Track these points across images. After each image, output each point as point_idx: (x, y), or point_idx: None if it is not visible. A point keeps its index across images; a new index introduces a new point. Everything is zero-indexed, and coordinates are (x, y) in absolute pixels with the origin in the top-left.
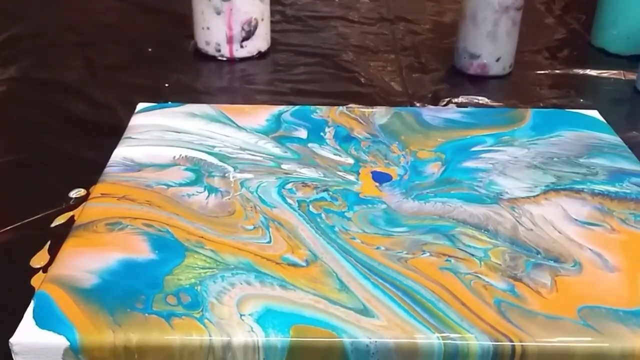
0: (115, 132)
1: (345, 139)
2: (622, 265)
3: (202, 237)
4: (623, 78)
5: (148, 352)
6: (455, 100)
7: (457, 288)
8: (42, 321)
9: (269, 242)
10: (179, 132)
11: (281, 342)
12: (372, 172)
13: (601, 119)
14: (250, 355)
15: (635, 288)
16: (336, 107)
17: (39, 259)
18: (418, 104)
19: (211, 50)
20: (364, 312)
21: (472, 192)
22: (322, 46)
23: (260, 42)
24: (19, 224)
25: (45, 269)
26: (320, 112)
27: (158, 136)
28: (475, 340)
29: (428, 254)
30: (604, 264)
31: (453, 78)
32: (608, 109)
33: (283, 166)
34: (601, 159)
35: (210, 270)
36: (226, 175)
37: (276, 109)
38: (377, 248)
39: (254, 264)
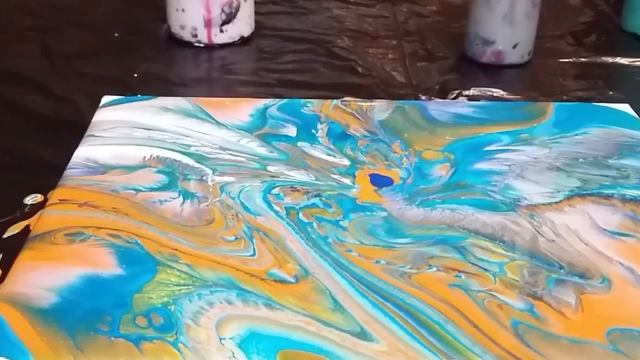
0: (76, 129)
1: (340, 137)
2: None
3: (176, 250)
4: None
5: None
6: (466, 92)
7: (468, 308)
8: None
9: (253, 255)
10: (149, 129)
11: None
12: (370, 175)
13: (633, 114)
14: None
15: None
16: (330, 100)
17: None
18: (423, 97)
19: (186, 36)
20: (362, 335)
21: (486, 198)
22: (313, 31)
23: (242, 26)
24: None
25: None
26: (312, 106)
27: (125, 134)
28: None
29: (435, 268)
30: (636, 281)
31: (463, 67)
32: None
33: (269, 168)
34: (633, 159)
35: (186, 287)
36: (204, 178)
37: (261, 102)
38: (377, 262)
39: (235, 281)
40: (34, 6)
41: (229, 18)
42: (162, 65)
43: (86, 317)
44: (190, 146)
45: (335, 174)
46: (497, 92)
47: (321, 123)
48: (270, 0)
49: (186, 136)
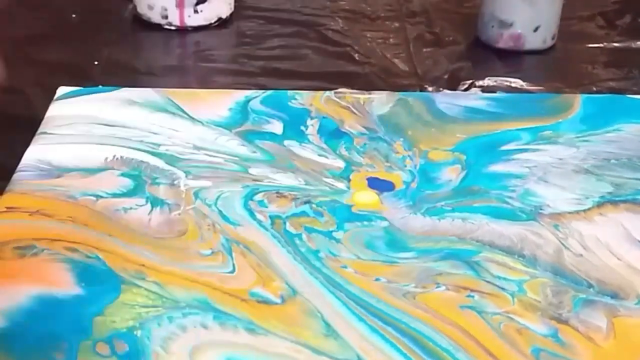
0: (27, 125)
1: (333, 134)
2: None
3: (144, 266)
4: None
5: None
6: (480, 82)
7: (482, 333)
8: None
9: (232, 271)
10: (112, 126)
11: None
12: (368, 179)
13: None
14: None
15: None
16: (321, 92)
17: None
18: (430, 88)
19: (155, 17)
20: None
21: (502, 206)
22: (302, 11)
23: (220, 5)
24: None
25: None
26: (301, 98)
27: (84, 131)
28: None
29: (443, 287)
30: None
31: (477, 53)
32: None
33: (251, 171)
34: None
35: (154, 309)
36: (175, 182)
37: (242, 94)
38: (376, 280)
39: (212, 301)
40: None
41: None
42: (127, 51)
43: (39, 344)
44: (159, 145)
45: (327, 177)
46: (516, 82)
47: (311, 118)
48: None
49: (155, 133)
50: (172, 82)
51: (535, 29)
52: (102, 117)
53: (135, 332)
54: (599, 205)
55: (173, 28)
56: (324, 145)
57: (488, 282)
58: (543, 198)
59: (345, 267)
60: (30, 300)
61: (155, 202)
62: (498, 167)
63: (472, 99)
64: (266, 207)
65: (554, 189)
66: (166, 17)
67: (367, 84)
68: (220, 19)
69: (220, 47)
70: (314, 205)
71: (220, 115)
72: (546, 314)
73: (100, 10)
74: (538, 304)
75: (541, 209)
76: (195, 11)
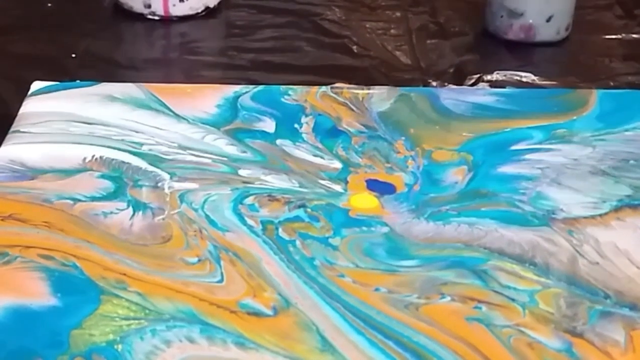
0: None
1: (329, 133)
2: None
3: (125, 274)
4: None
5: None
6: (488, 77)
7: (490, 347)
8: None
9: (221, 281)
10: (91, 124)
11: None
12: (367, 181)
13: None
14: None
15: None
16: (317, 87)
17: None
18: (434, 83)
19: (137, 6)
20: None
21: (512, 210)
22: (296, 0)
23: None
24: None
25: None
26: (294, 94)
27: (61, 129)
28: None
29: (449, 298)
30: None
31: (485, 45)
32: None
33: (241, 172)
34: None
35: (137, 321)
36: (159, 185)
37: (231, 90)
38: (376, 290)
39: (198, 313)
40: None
41: None
42: (106, 42)
43: (11, 359)
44: (142, 144)
45: (323, 179)
46: (527, 76)
47: (306, 116)
48: None
49: (137, 132)
50: (155, 77)
51: (548, 19)
52: (80, 114)
53: (115, 347)
54: (617, 209)
55: (156, 18)
56: (320, 145)
57: (497, 292)
58: (556, 202)
59: (343, 276)
60: (2, 312)
61: (137, 206)
62: (508, 169)
63: (480, 94)
64: (257, 211)
65: (568, 192)
66: (149, 5)
67: (366, 79)
68: (207, 8)
69: (207, 39)
70: (308, 210)
71: (208, 112)
72: (559, 327)
73: None
74: (551, 316)
75: (554, 214)
76: (181, 0)
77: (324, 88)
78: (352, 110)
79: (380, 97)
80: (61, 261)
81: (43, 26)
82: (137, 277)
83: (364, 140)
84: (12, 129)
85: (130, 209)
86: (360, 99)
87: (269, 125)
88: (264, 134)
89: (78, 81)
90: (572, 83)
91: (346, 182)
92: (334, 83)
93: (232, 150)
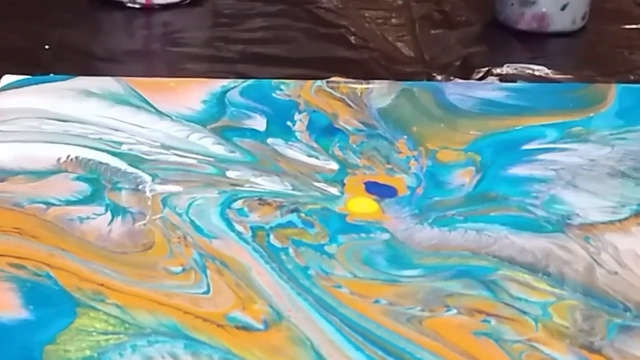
0: None
1: (325, 131)
2: None
3: (103, 285)
4: None
5: None
6: (497, 70)
7: None
8: None
9: (207, 292)
10: (66, 121)
11: None
12: (366, 183)
13: None
14: None
15: None
16: (311, 81)
17: None
18: (439, 77)
19: None
20: None
21: (524, 215)
22: None
23: None
24: None
25: None
26: (287, 89)
27: (33, 127)
28: None
29: (455, 311)
30: None
31: (494, 36)
32: None
33: (229, 174)
34: None
35: (115, 336)
36: (140, 187)
37: (218, 84)
38: (376, 302)
39: (182, 327)
40: None
41: None
42: (83, 33)
43: None
44: (121, 144)
45: (318, 181)
46: (540, 69)
47: (300, 112)
48: None
49: (116, 130)
50: (136, 70)
51: (563, 7)
52: (54, 110)
53: None
54: (638, 214)
55: (137, 6)
56: (314, 144)
57: (507, 304)
58: (572, 206)
59: (340, 286)
60: None
61: (116, 210)
62: (519, 170)
63: (489, 89)
64: (247, 216)
65: (585, 196)
66: None
67: (365, 72)
68: None
69: (192, 29)
70: (302, 215)
71: (193, 109)
72: (575, 342)
73: None
74: (566, 330)
75: (569, 219)
76: None
77: (319, 82)
78: (350, 106)
79: (380, 93)
80: (33, 271)
81: (13, 15)
82: (116, 288)
83: (363, 139)
84: None
85: (109, 213)
86: (359, 94)
87: (259, 122)
88: (253, 133)
89: (52, 75)
90: (589, 77)
91: (343, 185)
92: (330, 77)
93: (220, 150)
